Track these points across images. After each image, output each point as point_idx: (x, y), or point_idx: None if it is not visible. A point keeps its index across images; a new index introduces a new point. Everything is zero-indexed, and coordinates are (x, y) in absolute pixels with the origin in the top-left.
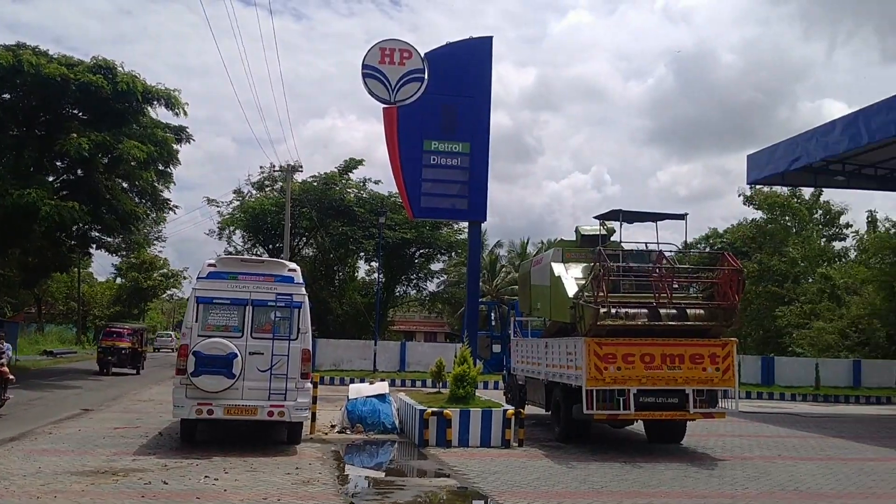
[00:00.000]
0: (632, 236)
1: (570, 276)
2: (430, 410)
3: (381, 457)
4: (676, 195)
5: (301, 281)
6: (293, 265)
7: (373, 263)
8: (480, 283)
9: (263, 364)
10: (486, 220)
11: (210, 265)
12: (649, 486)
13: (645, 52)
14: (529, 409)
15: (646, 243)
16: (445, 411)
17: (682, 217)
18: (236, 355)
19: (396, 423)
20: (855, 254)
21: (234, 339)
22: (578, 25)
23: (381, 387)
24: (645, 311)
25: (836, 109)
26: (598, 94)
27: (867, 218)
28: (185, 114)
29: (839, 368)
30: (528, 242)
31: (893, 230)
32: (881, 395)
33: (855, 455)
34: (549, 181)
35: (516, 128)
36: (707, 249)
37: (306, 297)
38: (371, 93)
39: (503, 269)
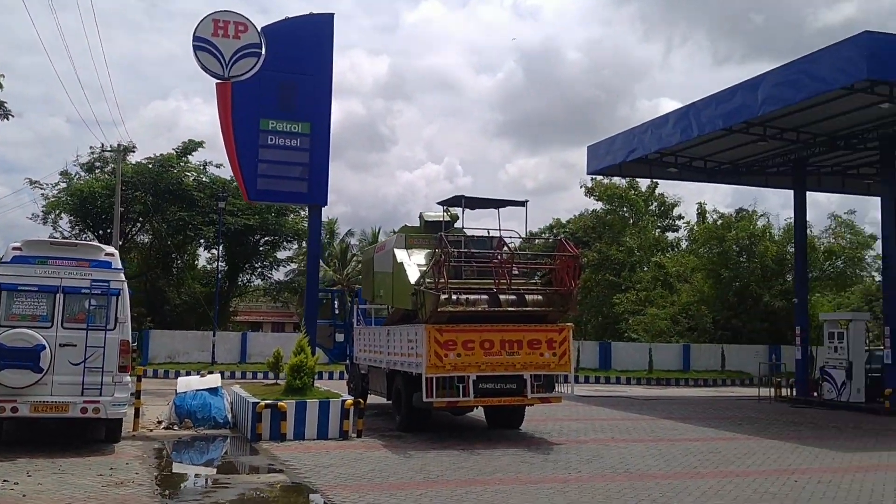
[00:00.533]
0: (476, 224)
1: (413, 263)
2: (263, 403)
3: (209, 453)
4: (524, 187)
5: (119, 266)
6: (110, 249)
7: (213, 251)
8: (332, 273)
9: (76, 357)
10: (326, 204)
11: (15, 248)
12: (485, 474)
13: (495, 46)
14: (372, 399)
15: (488, 230)
16: (280, 403)
17: (522, 204)
18: (44, 347)
19: (229, 417)
20: (686, 243)
21: (42, 329)
22: (431, 17)
23: (213, 379)
24: (485, 297)
25: (672, 108)
26: (450, 86)
27: (697, 210)
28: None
29: (670, 352)
30: (379, 231)
31: (720, 221)
32: (707, 378)
33: (682, 436)
34: (403, 171)
35: (370, 116)
36: (548, 237)
37: (125, 284)
38: (203, 67)
39: (354, 258)
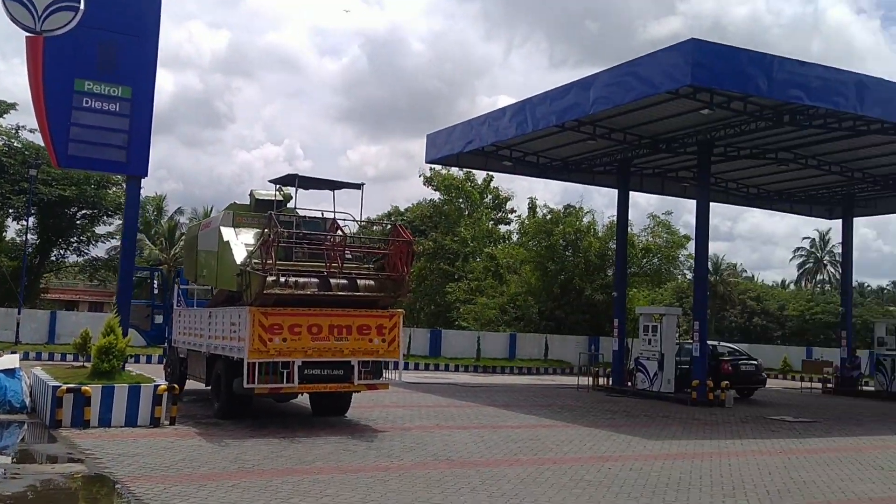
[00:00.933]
0: (311, 206)
1: (240, 242)
2: (64, 387)
3: (1, 441)
4: (365, 174)
5: None
6: None
7: (23, 222)
8: (158, 251)
9: None
10: (146, 175)
11: None
12: (304, 462)
13: (340, 30)
14: (191, 385)
15: (322, 211)
16: (84, 388)
17: (358, 187)
18: None
19: (27, 401)
20: (517, 236)
21: None
22: None
23: (10, 360)
24: (316, 280)
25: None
26: (293, 66)
27: (529, 204)
28: None
29: (498, 341)
30: (211, 210)
31: (549, 216)
32: (531, 366)
33: (504, 423)
34: (240, 150)
35: (207, 91)
36: (384, 223)
37: None
38: (12, 18)
39: (183, 237)
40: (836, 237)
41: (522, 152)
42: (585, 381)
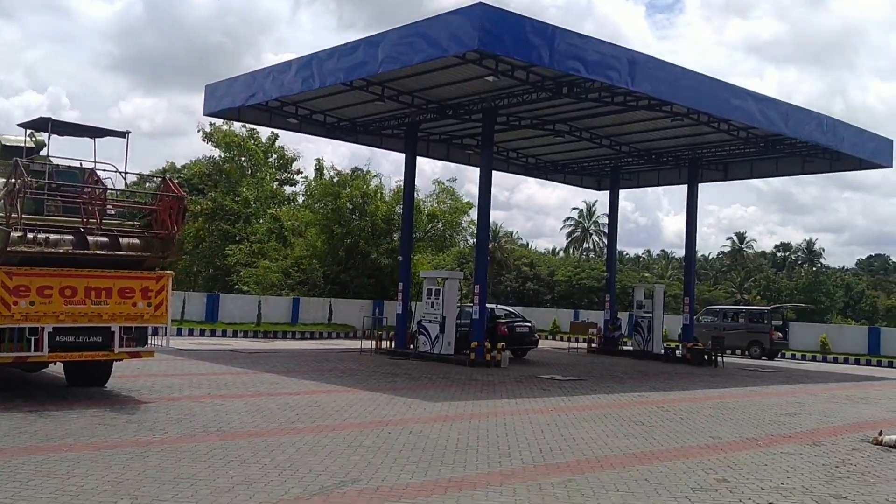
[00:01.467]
0: (72, 156)
1: None
2: None
3: None
4: (139, 129)
5: None
6: None
7: None
8: None
9: None
10: None
11: None
12: (53, 439)
13: None
14: None
15: (80, 161)
16: None
17: (122, 135)
18: None
19: None
20: (303, 198)
21: None
22: None
23: None
24: (70, 237)
25: None
26: (58, 8)
27: (315, 166)
28: None
29: (280, 305)
30: None
31: (336, 178)
32: (315, 330)
33: (283, 390)
34: None
35: None
36: (155, 178)
37: None
38: None
39: None
40: (601, 209)
41: (309, 110)
42: (369, 344)
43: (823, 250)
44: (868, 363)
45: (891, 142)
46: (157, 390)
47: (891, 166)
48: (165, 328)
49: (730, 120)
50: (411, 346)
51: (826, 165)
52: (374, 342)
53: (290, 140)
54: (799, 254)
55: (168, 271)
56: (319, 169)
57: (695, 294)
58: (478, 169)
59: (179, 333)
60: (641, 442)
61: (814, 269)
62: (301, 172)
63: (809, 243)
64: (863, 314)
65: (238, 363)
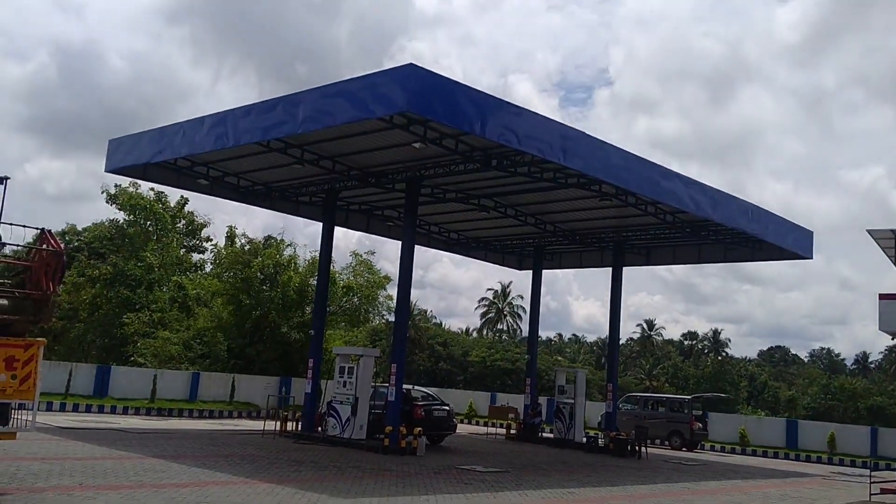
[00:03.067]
0: None
1: None
2: None
3: None
4: (44, 192)
5: None
6: None
7: None
8: None
9: None
10: None
11: None
12: None
13: (29, 34)
14: None
15: None
16: None
17: (0, 181)
18: None
19: None
20: (211, 266)
21: None
22: None
23: None
24: None
25: None
26: None
27: (227, 233)
28: None
29: (178, 380)
30: None
31: (248, 246)
32: (215, 409)
33: (170, 480)
34: None
35: None
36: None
37: None
38: None
39: None
40: (516, 290)
41: (221, 171)
42: (273, 425)
43: (730, 340)
44: (786, 457)
45: (811, 234)
46: (20, 478)
47: (811, 257)
48: (32, 404)
49: (659, 202)
50: (319, 429)
51: (748, 254)
52: (278, 423)
53: (201, 206)
54: (705, 342)
55: (40, 339)
56: (231, 236)
57: (617, 381)
58: (396, 243)
59: (63, 409)
60: None
61: (719, 358)
62: (211, 240)
63: (715, 333)
64: (766, 405)
65: (123, 445)
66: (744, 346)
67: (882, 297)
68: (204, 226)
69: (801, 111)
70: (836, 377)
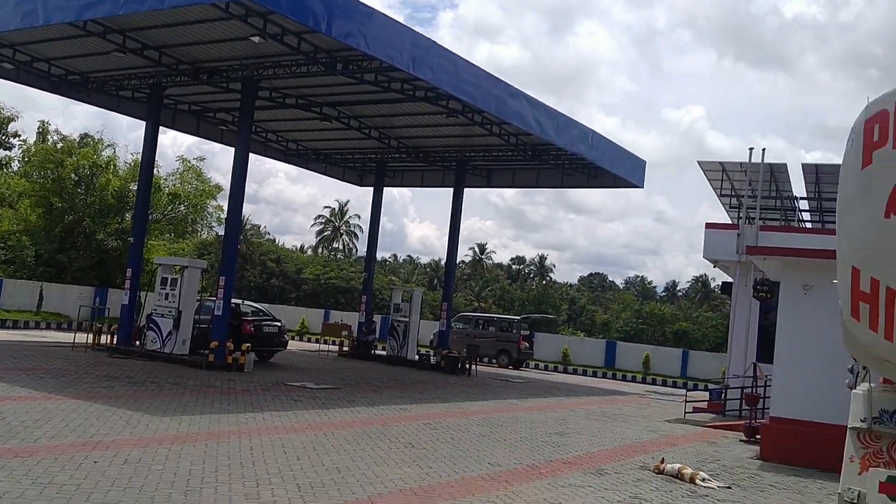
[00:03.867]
0: None
1: None
2: None
3: None
4: None
5: None
6: None
7: None
8: None
9: None
10: None
11: None
12: None
13: None
14: None
15: None
16: None
17: None
18: None
19: None
20: (18, 165)
21: None
22: None
23: None
24: None
25: None
26: None
27: (38, 128)
28: None
29: None
30: None
31: (60, 144)
32: (20, 319)
33: None
34: None
35: None
36: None
37: None
38: None
39: None
40: (353, 209)
41: (30, 56)
42: (85, 338)
43: (554, 266)
44: (605, 376)
45: (644, 163)
46: None
47: (642, 186)
48: None
49: (505, 122)
50: (137, 343)
51: (584, 180)
52: (91, 336)
53: (7, 97)
54: (532, 267)
55: None
56: (42, 132)
57: (452, 301)
58: (229, 154)
59: None
60: (417, 472)
61: (543, 282)
62: (19, 135)
63: (542, 258)
64: (583, 327)
65: None
66: (566, 272)
67: (708, 226)
68: (11, 119)
69: (633, 49)
70: (648, 303)
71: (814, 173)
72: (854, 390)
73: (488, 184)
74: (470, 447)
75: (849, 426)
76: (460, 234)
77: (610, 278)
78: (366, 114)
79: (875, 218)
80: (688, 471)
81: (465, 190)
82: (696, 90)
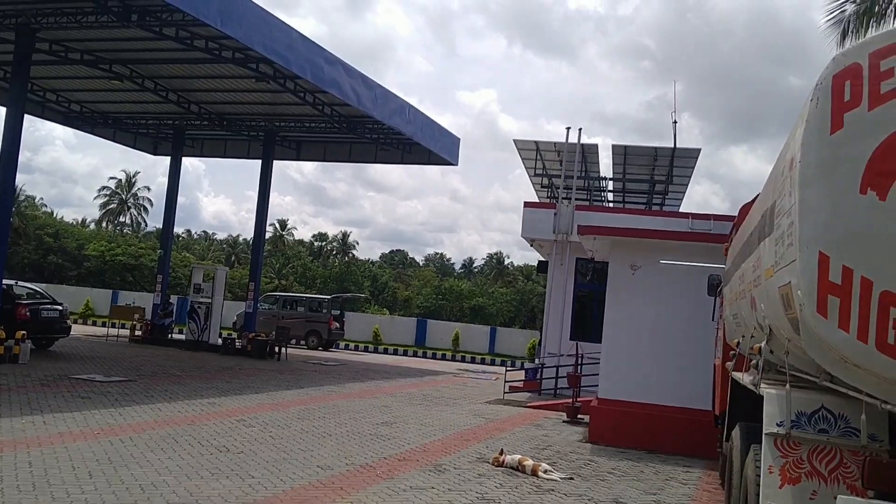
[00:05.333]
0: None
1: None
2: None
3: None
4: None
5: None
6: None
7: None
8: None
9: None
10: None
11: None
12: None
13: None
14: None
15: None
16: None
17: None
18: None
19: None
20: None
21: None
22: None
23: None
24: None
25: None
26: None
27: None
28: None
29: None
30: None
31: None
32: None
33: None
34: None
35: None
36: None
37: None
38: None
39: None
40: (142, 181)
41: None
42: None
43: (357, 243)
44: (415, 354)
45: (458, 140)
46: None
47: (456, 164)
48: None
49: (320, 90)
50: None
51: (398, 156)
52: None
53: None
54: (334, 244)
55: None
56: None
57: (261, 281)
58: (1, 110)
59: None
60: (238, 484)
61: (346, 259)
62: None
63: (344, 235)
64: (385, 303)
65: None
66: (367, 249)
67: (526, 205)
68: None
69: (429, 30)
70: (447, 279)
71: (622, 154)
72: (767, 390)
73: (298, 156)
74: (293, 447)
75: (764, 432)
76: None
77: (410, 255)
78: (164, 74)
79: (848, 194)
80: (528, 462)
81: (279, 161)
82: (489, 74)
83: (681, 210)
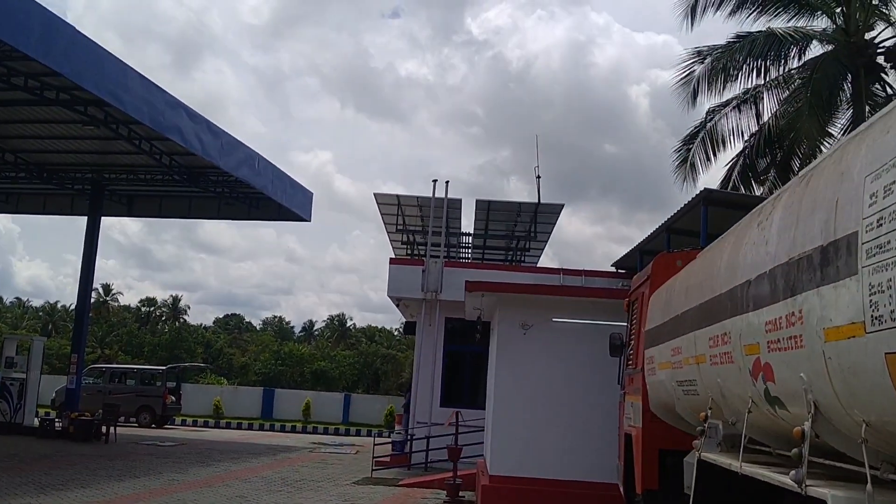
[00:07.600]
0: None
1: None
2: None
3: None
4: None
5: None
6: None
7: None
8: None
9: None
10: None
11: None
12: None
13: None
14: None
15: None
16: None
17: None
18: None
19: None
20: None
21: None
22: None
23: None
24: None
25: None
26: None
27: None
28: None
29: None
30: None
31: None
32: None
33: None
34: None
35: None
36: None
37: None
38: None
39: None
40: None
41: None
42: None
43: (189, 307)
44: (262, 428)
45: (311, 194)
46: None
47: (309, 219)
48: None
49: (160, 138)
50: None
51: (244, 211)
52: None
53: None
54: (164, 309)
55: None
56: None
57: (85, 352)
58: None
59: None
60: None
61: (177, 325)
62: None
63: (175, 299)
64: (221, 371)
65: None
66: (199, 314)
67: (392, 261)
68: None
69: (261, 90)
70: (286, 343)
71: (485, 209)
72: (833, 493)
73: (129, 212)
74: None
75: None
76: (76, 275)
77: (247, 319)
78: None
79: None
80: None
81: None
82: (324, 136)
83: (538, 265)
